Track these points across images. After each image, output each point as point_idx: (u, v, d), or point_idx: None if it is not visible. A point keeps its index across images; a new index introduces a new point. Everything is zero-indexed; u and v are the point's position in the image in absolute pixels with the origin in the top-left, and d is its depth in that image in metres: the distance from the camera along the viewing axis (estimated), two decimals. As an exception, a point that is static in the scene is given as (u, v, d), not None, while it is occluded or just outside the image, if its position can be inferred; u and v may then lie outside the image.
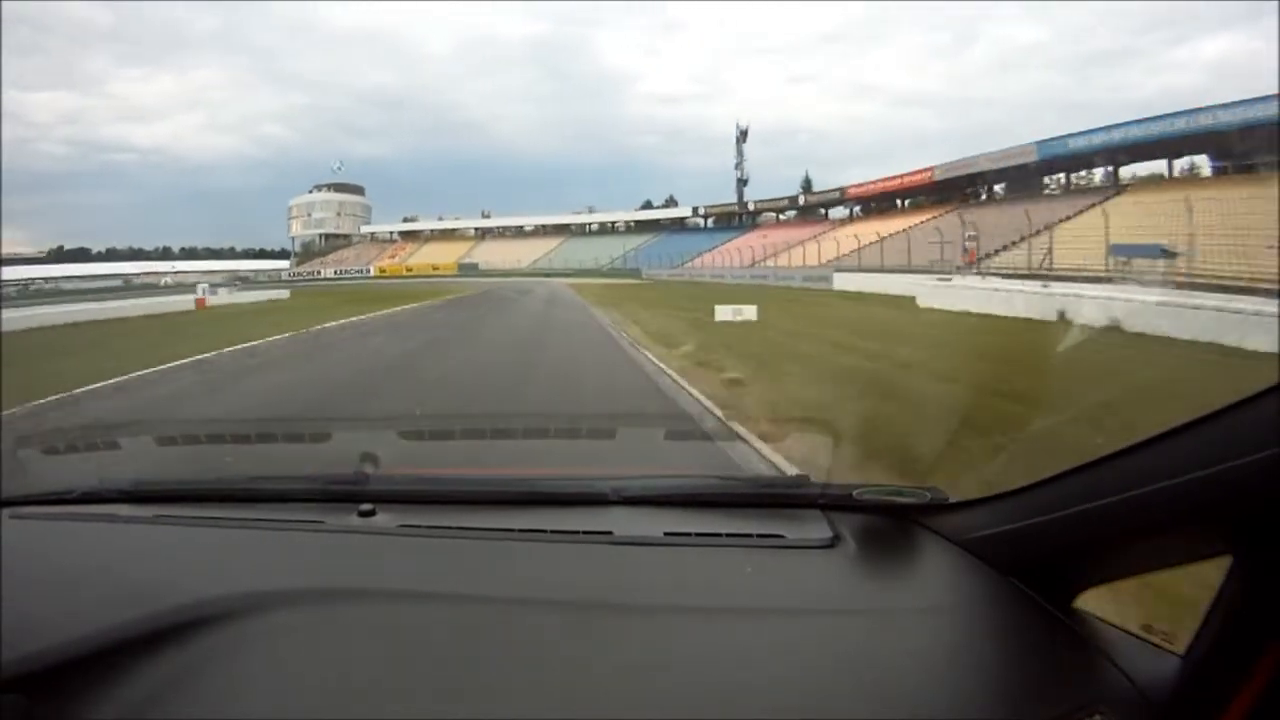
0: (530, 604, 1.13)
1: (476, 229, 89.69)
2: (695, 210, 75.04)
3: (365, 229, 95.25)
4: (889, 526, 1.36)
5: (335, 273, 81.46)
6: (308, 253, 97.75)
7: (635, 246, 71.81)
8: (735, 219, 74.45)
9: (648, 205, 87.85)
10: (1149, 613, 1.70)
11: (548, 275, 63.98)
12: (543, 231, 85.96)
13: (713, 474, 1.56)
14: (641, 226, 79.15)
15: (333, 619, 1.09)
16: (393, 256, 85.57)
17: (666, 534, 1.34)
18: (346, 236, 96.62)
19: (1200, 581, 0.93)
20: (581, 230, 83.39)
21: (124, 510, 1.50)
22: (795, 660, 1.00)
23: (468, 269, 76.23)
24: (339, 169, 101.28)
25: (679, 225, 78.13)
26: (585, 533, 1.36)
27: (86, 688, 0.93)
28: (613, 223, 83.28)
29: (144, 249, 71.44)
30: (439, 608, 1.12)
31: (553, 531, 1.36)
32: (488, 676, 0.97)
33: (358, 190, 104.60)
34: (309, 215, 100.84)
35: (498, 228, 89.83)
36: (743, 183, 75.82)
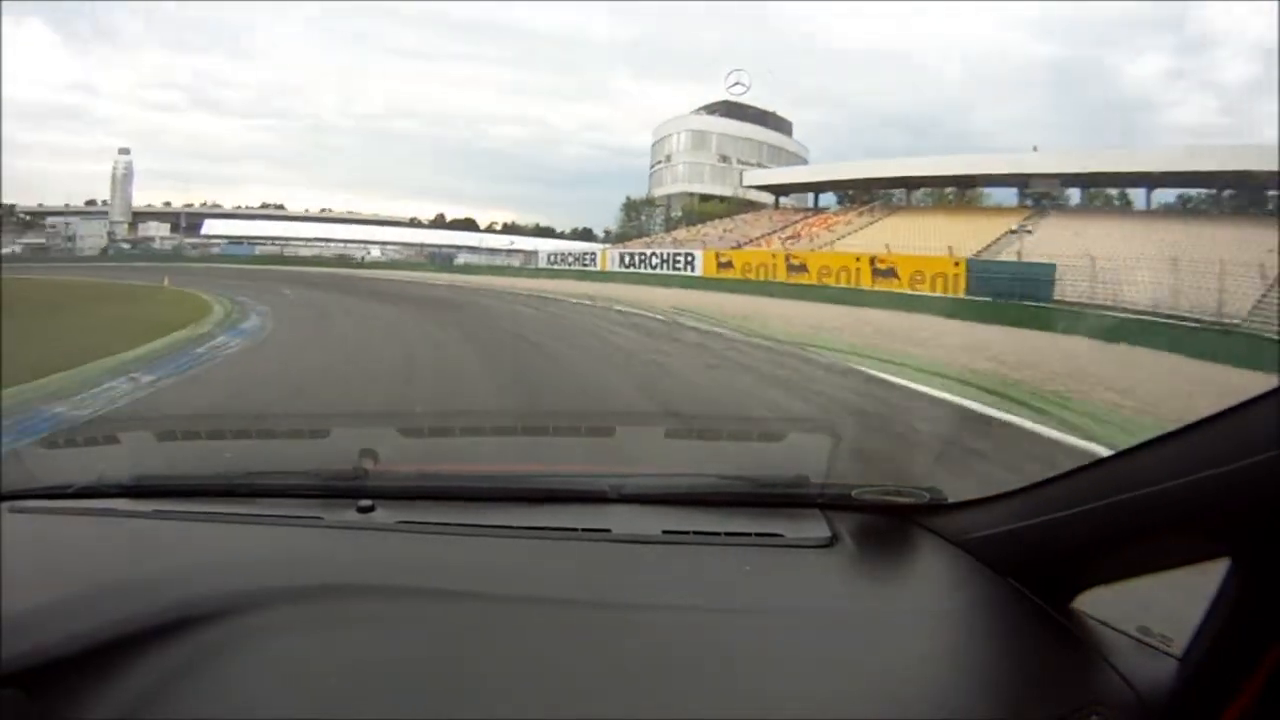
0: (528, 601, 1.12)
1: (1028, 188, 32.26)
2: None
3: (753, 180, 43.98)
4: (888, 526, 1.36)
5: (626, 261, 38.00)
6: (625, 229, 50.30)
7: None
8: None
9: None
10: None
11: None
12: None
13: (712, 473, 1.52)
14: None
15: (331, 615, 1.08)
16: (793, 238, 32.67)
17: (665, 532, 1.33)
18: (725, 201, 46.75)
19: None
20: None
21: (123, 505, 1.48)
22: (793, 660, 1.00)
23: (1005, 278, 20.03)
24: (737, 84, 51.20)
25: None
26: (583, 530, 1.36)
27: (85, 683, 0.93)
28: None
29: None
30: (437, 604, 1.12)
31: (551, 529, 1.36)
32: (484, 674, 0.97)
33: (777, 123, 53.11)
34: (666, 159, 52.86)
35: (1086, 178, 32.04)
36: None
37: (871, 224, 35.09)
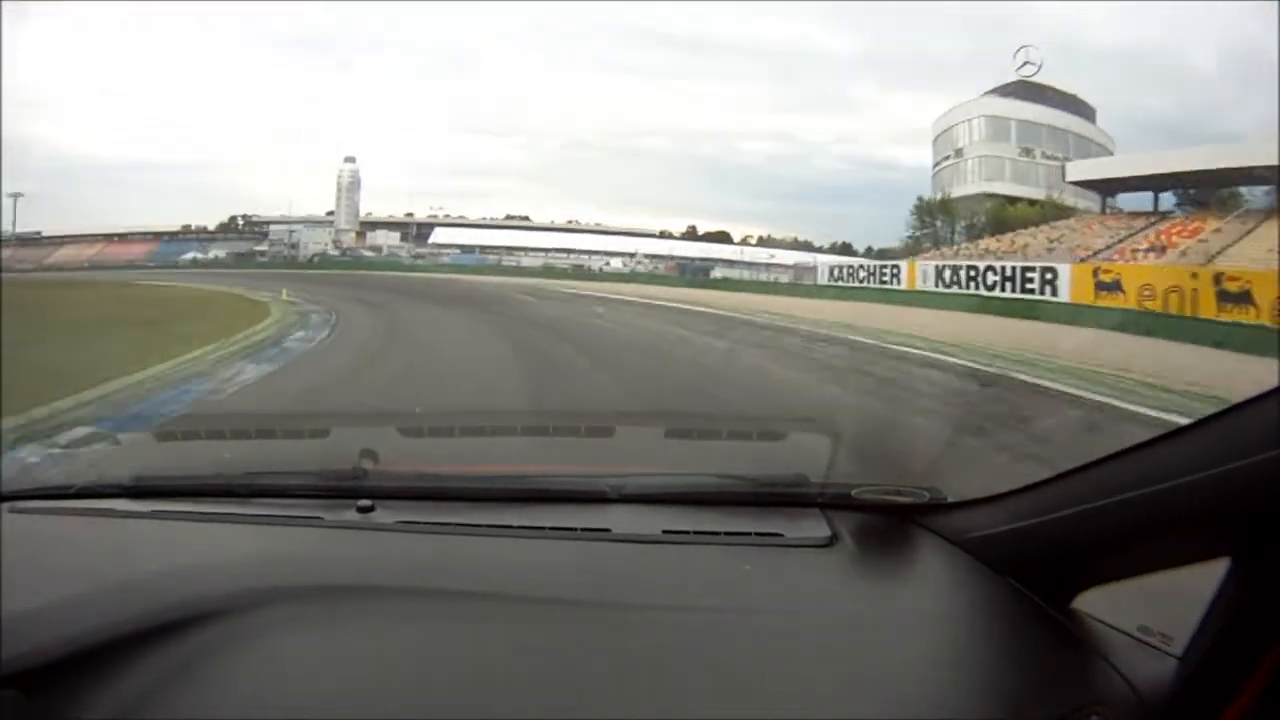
0: (528, 601, 1.13)
1: None
2: None
3: (1079, 174, 39.11)
4: (887, 526, 1.36)
5: (947, 278, 30.60)
6: (919, 238, 45.47)
7: None
8: None
9: None
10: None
11: None
12: None
13: (712, 472, 1.52)
14: None
15: (330, 615, 1.09)
16: (1154, 249, 28.65)
17: (665, 532, 1.33)
18: (1036, 204, 41.64)
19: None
20: None
21: (122, 505, 1.48)
22: (793, 659, 1.00)
23: None
24: (1026, 64, 45.51)
25: None
26: (584, 530, 1.36)
27: (84, 683, 0.94)
28: None
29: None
30: (437, 604, 1.13)
31: (551, 528, 1.36)
32: (485, 673, 0.97)
33: (1081, 108, 47.48)
34: (956, 154, 48.07)
35: None
36: None
37: (1247, 233, 29.93)
